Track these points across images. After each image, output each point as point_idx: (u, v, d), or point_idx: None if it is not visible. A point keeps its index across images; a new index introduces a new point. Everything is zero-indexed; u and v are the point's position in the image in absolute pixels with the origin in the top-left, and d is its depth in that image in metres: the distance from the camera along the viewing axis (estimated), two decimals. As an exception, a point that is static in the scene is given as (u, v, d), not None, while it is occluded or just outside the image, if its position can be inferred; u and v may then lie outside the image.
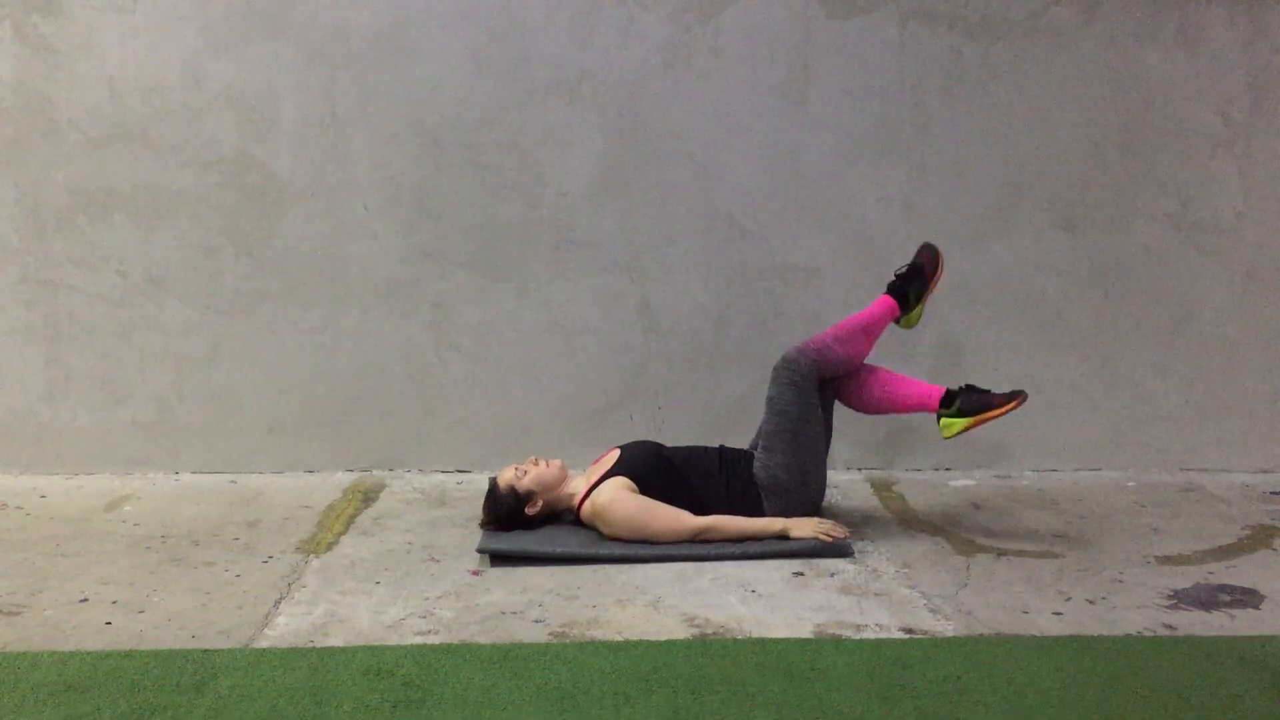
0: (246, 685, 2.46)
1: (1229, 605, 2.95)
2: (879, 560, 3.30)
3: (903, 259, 3.84)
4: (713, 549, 3.31)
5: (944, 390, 3.47)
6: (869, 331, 3.53)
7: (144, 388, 4.23)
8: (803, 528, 3.37)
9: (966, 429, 3.41)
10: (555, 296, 4.24)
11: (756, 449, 3.56)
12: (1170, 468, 4.33)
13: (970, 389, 3.45)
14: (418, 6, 4.10)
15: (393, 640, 2.72)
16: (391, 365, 4.26)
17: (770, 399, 3.48)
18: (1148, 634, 2.76)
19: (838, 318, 3.99)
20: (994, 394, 3.43)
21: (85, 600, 3.00)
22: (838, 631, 2.77)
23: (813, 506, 3.49)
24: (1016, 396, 3.39)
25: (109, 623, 2.84)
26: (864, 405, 3.55)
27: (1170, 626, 2.81)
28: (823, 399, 3.50)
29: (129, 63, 4.09)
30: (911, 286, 3.57)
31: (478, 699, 2.39)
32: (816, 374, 3.45)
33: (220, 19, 4.08)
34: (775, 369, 3.49)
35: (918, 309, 3.61)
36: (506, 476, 3.49)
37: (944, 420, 3.44)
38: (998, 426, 4.28)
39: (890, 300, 3.57)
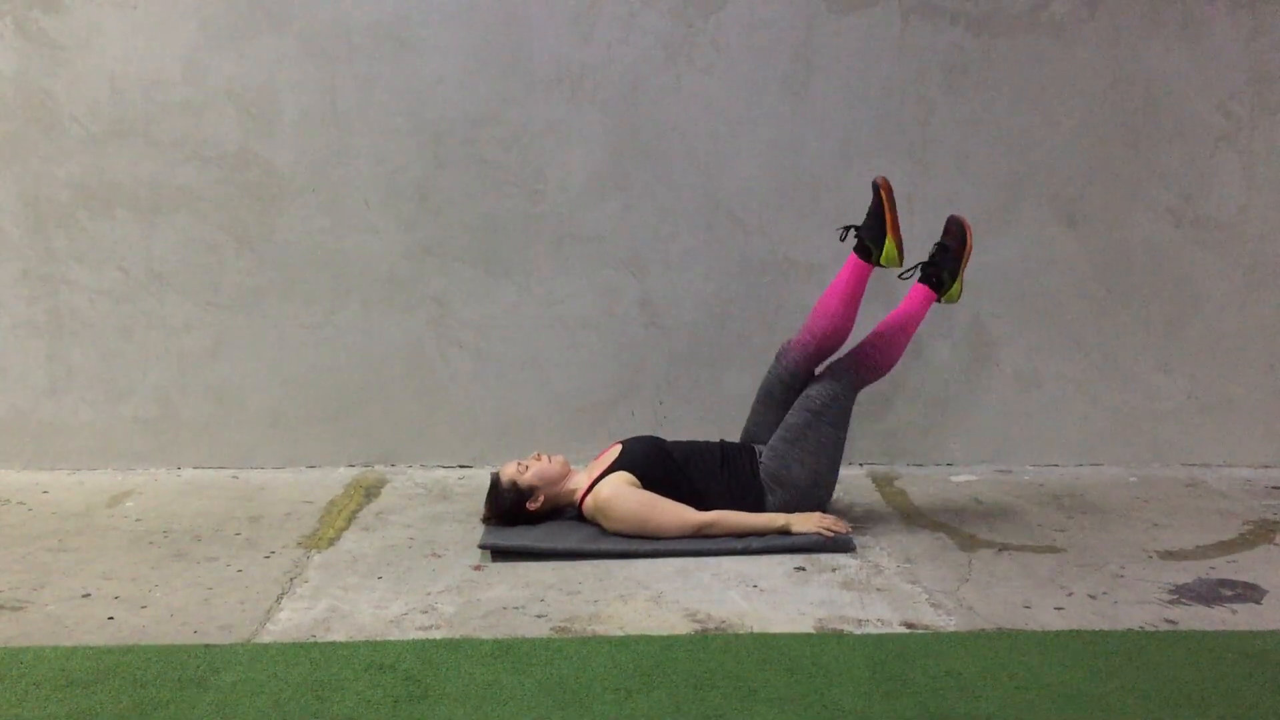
0: (249, 680, 2.46)
1: (1230, 600, 2.95)
2: (880, 555, 3.31)
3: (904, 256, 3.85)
4: (714, 544, 3.31)
5: (925, 286, 3.55)
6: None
7: (146, 383, 4.24)
8: (804, 523, 3.37)
9: (961, 281, 3.58)
10: (556, 292, 4.24)
11: (769, 440, 3.56)
12: (1172, 463, 4.32)
13: (935, 260, 3.56)
14: (418, 1, 4.10)
15: (394, 635, 2.72)
16: (393, 360, 4.26)
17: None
18: (1149, 629, 2.76)
19: (839, 313, 4.01)
20: (948, 244, 3.55)
21: (87, 595, 3.00)
22: (839, 626, 2.77)
23: (816, 506, 3.49)
24: (956, 226, 3.56)
25: (111, 618, 2.85)
26: (888, 364, 3.57)
27: (1171, 621, 2.81)
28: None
29: (130, 58, 4.08)
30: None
31: (479, 694, 2.39)
32: (859, 386, 3.54)
33: (221, 14, 4.08)
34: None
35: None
36: (508, 472, 3.49)
37: (945, 297, 3.58)
38: (999, 424, 4.31)
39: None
